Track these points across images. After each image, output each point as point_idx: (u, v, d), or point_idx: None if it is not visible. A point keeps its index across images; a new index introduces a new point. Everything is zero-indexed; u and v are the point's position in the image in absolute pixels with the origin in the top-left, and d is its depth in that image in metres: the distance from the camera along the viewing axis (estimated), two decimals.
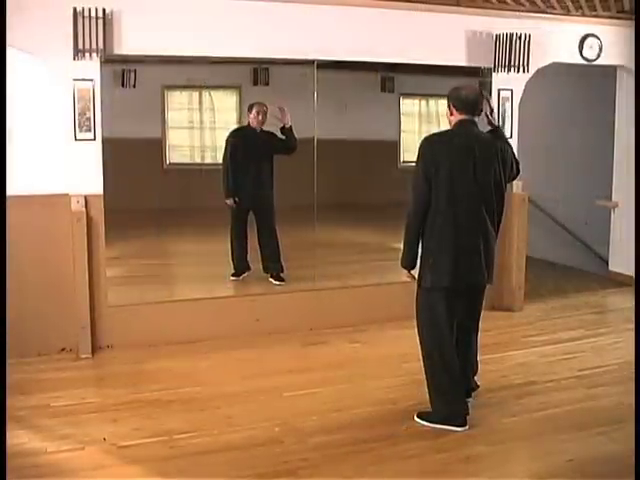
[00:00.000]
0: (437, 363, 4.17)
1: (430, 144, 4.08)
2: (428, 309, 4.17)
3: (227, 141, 6.67)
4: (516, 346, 5.75)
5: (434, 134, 4.23)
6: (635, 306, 4.83)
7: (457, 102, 4.11)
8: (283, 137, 6.53)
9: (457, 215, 4.03)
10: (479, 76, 6.49)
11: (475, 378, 4.58)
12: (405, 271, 4.22)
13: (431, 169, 3.97)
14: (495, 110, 5.54)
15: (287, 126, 6.46)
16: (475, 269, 4.12)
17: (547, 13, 6.48)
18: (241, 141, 6.64)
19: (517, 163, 4.32)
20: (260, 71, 6.92)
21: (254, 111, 6.55)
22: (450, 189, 3.99)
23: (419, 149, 4.07)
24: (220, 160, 6.75)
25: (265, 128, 6.61)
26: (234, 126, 6.66)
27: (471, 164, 4.01)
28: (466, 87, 4.18)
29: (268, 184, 6.66)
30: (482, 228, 4.11)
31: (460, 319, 4.28)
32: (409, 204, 4.08)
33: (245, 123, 6.74)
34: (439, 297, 4.12)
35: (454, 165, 3.99)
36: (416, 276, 4.21)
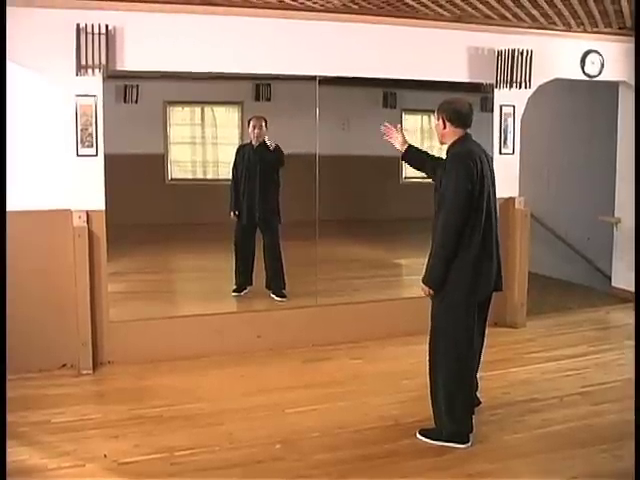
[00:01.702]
0: (457, 380, 4.13)
1: (471, 161, 3.97)
2: (459, 325, 4.08)
3: (234, 158, 6.76)
4: (519, 362, 5.72)
5: (461, 152, 4.05)
6: (635, 318, 4.81)
7: (454, 116, 4.08)
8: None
9: (490, 229, 4.05)
10: (481, 92, 6.51)
11: (477, 394, 4.55)
12: (426, 288, 4.09)
13: (476, 186, 3.93)
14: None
15: (271, 148, 6.51)
16: (498, 277, 4.18)
17: (549, 29, 6.48)
18: (240, 157, 6.71)
19: None
20: (262, 87, 6.97)
21: (250, 125, 6.62)
22: (486, 205, 4.00)
23: (459, 166, 3.96)
24: (222, 176, 6.87)
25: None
26: (236, 142, 6.66)
27: (491, 178, 4.09)
28: (458, 100, 4.16)
29: (269, 199, 6.68)
30: (497, 238, 4.18)
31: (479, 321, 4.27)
32: (445, 217, 3.97)
33: (247, 139, 6.79)
34: (471, 311, 4.08)
35: (489, 181, 4.03)
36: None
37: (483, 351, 4.49)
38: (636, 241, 4.72)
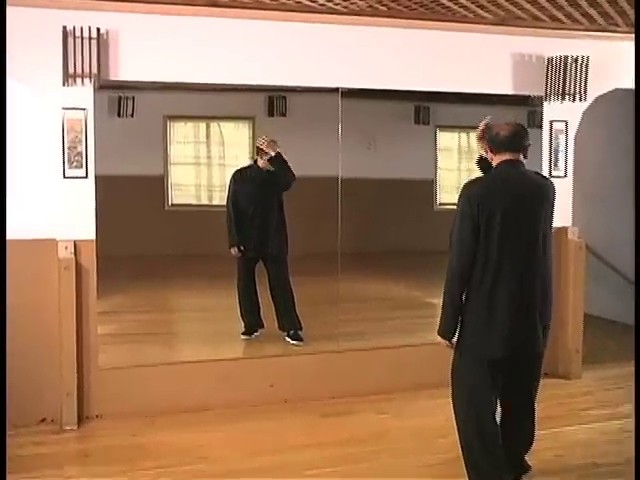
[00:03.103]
0: (474, 441, 4.11)
1: (478, 189, 4.03)
2: (467, 381, 4.12)
3: (230, 183, 6.74)
4: (573, 420, 5.61)
5: (480, 177, 4.23)
6: (635, 348, 4.74)
7: (490, 142, 4.15)
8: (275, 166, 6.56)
9: (511, 271, 3.97)
10: (528, 106, 6.45)
11: (525, 458, 4.42)
12: (444, 340, 4.13)
13: (480, 218, 3.91)
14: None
15: (274, 153, 6.47)
16: (532, 335, 4.07)
17: (609, 31, 6.37)
18: (244, 182, 6.69)
19: None
20: (276, 100, 6.92)
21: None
22: (502, 241, 3.94)
23: (463, 195, 4.03)
24: None
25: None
26: (246, 163, 6.72)
27: (523, 211, 4.00)
28: (500, 125, 4.17)
29: (281, 228, 6.69)
30: (539, 285, 4.06)
31: (510, 389, 4.21)
32: (450, 260, 4.02)
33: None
34: (484, 368, 4.06)
35: (506, 213, 3.94)
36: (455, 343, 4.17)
37: (535, 408, 4.37)
38: (636, 269, 4.68)
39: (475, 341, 4.03)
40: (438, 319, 4.13)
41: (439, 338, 4.13)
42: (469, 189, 4.04)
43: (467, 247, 3.92)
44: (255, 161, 6.64)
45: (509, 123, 4.15)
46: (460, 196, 4.03)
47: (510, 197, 3.97)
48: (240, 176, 6.73)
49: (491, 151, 4.13)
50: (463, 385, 4.14)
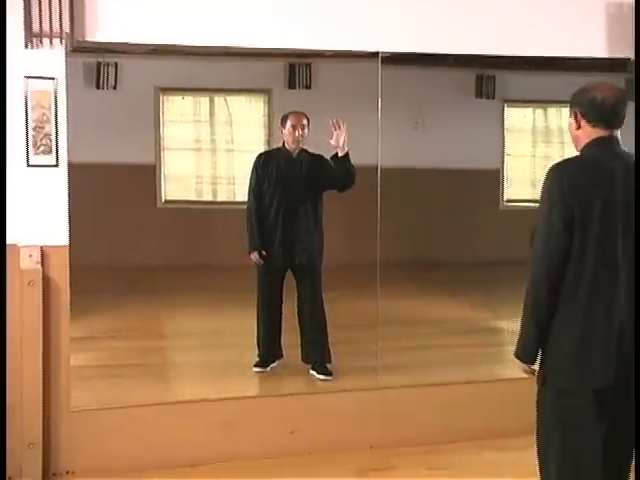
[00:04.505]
0: None
1: (569, 174, 3.69)
2: (561, 424, 3.76)
3: (252, 170, 6.53)
4: None
5: (570, 160, 3.85)
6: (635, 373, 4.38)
7: (590, 111, 3.76)
8: (334, 165, 6.39)
9: (613, 280, 3.65)
10: (624, 71, 6.11)
11: None
12: (522, 364, 3.85)
13: (573, 211, 3.60)
14: None
15: (341, 154, 6.29)
16: None
17: None
18: (271, 170, 6.47)
19: None
20: (299, 68, 6.87)
21: (289, 124, 6.38)
22: (602, 241, 3.63)
23: (550, 182, 3.70)
24: (240, 197, 6.67)
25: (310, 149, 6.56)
26: (260, 147, 6.44)
27: (628, 203, 3.69)
28: (601, 87, 3.82)
29: (311, 231, 6.52)
30: None
31: (614, 438, 3.81)
32: (532, 263, 3.71)
33: (278, 143, 6.63)
34: (582, 405, 3.72)
35: (606, 206, 3.63)
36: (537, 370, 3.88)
37: None
38: (636, 270, 4.51)
39: (569, 366, 3.73)
40: (516, 340, 3.83)
41: (516, 361, 3.85)
42: (558, 169, 3.74)
43: (557, 245, 3.63)
44: (283, 143, 6.44)
45: (610, 87, 3.81)
46: (546, 180, 3.72)
47: (611, 183, 3.67)
48: (266, 161, 6.52)
49: (587, 122, 3.75)
50: (553, 425, 3.80)
